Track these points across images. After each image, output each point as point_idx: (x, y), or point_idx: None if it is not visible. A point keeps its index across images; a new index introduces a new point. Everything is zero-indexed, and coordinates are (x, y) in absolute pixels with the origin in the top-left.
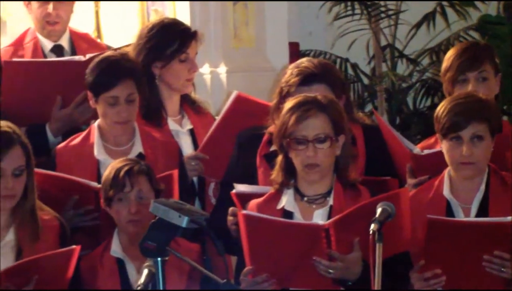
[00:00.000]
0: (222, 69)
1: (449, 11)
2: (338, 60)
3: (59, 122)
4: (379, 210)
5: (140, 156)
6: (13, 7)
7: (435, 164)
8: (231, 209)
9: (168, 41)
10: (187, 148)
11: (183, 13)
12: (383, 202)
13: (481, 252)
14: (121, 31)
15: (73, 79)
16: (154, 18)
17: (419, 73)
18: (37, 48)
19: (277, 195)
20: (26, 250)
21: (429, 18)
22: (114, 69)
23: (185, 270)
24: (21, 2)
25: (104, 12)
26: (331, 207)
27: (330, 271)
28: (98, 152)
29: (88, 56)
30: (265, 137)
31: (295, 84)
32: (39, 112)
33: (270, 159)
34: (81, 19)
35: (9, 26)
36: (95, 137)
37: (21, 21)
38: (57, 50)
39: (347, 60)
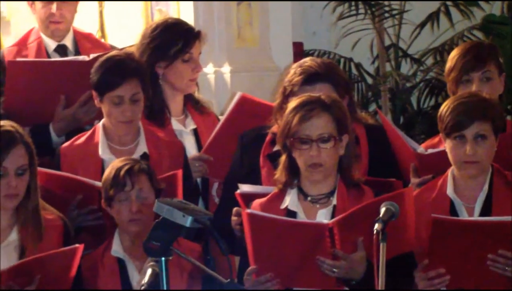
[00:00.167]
0: (226, 69)
1: (453, 10)
2: (342, 60)
3: (62, 122)
4: (383, 210)
5: (144, 155)
6: (17, 7)
7: (439, 163)
8: (235, 209)
9: (172, 41)
10: (190, 148)
11: (187, 13)
12: (387, 201)
13: (485, 251)
14: (125, 31)
15: (76, 79)
16: (158, 18)
17: (423, 73)
18: (41, 48)
19: (280, 195)
20: (29, 249)
21: (433, 17)
22: (119, 68)
23: (186, 269)
24: (25, 2)
25: (108, 12)
26: (334, 206)
27: (334, 270)
28: (102, 151)
29: (92, 56)
30: (268, 137)
31: (299, 84)
32: (43, 112)
33: (273, 158)
34: (85, 19)
35: (13, 26)
36: (99, 136)
37: (25, 21)
38: (61, 50)
39: (351, 60)
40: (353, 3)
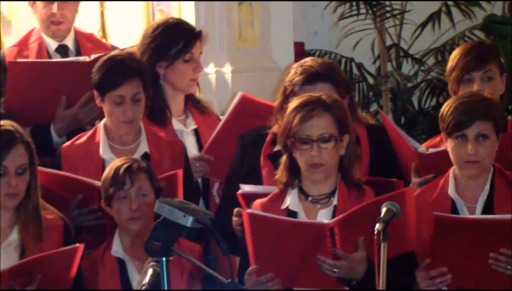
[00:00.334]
0: (227, 69)
1: (454, 10)
2: (343, 60)
3: (63, 123)
4: (384, 210)
5: (145, 155)
6: (18, 7)
7: (440, 162)
8: (236, 209)
9: (173, 41)
10: (191, 148)
11: (188, 13)
12: (388, 201)
13: (487, 250)
14: (126, 31)
15: (78, 80)
16: (159, 18)
17: (424, 73)
18: (42, 48)
19: (281, 195)
20: (30, 249)
21: (434, 17)
22: (120, 68)
23: (186, 269)
24: (26, 2)
25: (109, 12)
26: (335, 207)
27: (335, 270)
28: (103, 150)
29: (93, 56)
30: (268, 138)
31: (299, 83)
32: (44, 113)
33: (274, 159)
34: (86, 19)
35: (14, 26)
36: (100, 136)
37: (26, 21)
38: (62, 50)
39: (352, 60)
40: (354, 3)
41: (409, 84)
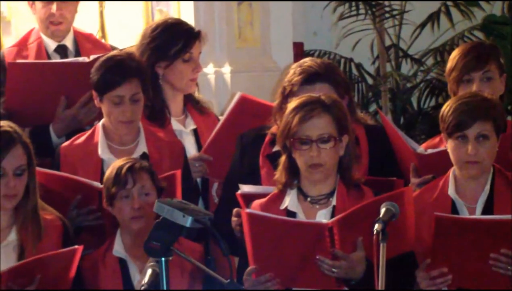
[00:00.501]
0: (226, 69)
1: (454, 11)
2: (343, 60)
3: (62, 123)
4: (383, 210)
5: (144, 155)
6: (18, 7)
7: (439, 163)
8: (235, 209)
9: (172, 41)
10: (190, 148)
11: (187, 13)
12: (387, 201)
13: (488, 250)
14: (126, 31)
15: (77, 80)
16: (158, 18)
17: (424, 73)
18: (41, 49)
19: (280, 195)
20: (29, 250)
21: (433, 18)
22: (119, 68)
23: (187, 269)
24: (26, 2)
25: (108, 12)
26: (334, 207)
27: (334, 270)
28: (102, 151)
29: (92, 57)
30: (267, 138)
31: (298, 83)
32: (43, 113)
33: (273, 159)
34: (85, 20)
35: (14, 26)
36: (99, 136)
37: (25, 21)
38: (61, 50)
39: (351, 60)
40: (353, 3)
41: (409, 85)
